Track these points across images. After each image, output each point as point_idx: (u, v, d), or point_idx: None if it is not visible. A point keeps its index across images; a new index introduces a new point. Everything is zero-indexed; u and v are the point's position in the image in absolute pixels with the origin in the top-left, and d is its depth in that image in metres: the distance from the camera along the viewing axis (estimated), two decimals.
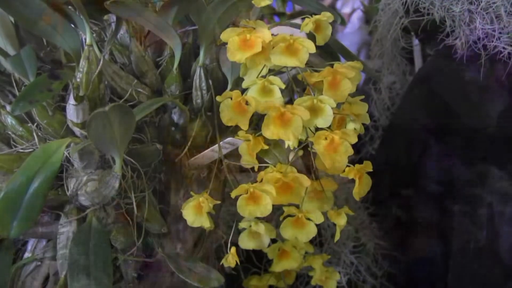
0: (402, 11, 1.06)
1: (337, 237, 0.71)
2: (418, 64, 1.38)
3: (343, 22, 1.10)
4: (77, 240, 0.62)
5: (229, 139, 0.72)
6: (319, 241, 1.18)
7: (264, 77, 0.66)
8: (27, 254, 0.73)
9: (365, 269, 1.42)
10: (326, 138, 0.62)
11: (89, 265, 0.60)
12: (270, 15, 1.64)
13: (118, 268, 0.73)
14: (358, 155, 1.57)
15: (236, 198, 0.66)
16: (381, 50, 1.31)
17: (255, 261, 1.04)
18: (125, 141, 0.61)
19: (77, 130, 0.68)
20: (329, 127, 0.64)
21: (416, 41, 1.28)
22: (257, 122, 0.80)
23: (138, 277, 0.75)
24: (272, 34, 0.67)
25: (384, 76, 1.38)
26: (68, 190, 0.68)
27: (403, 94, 1.35)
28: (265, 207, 0.64)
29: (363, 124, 0.72)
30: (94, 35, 0.82)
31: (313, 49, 0.65)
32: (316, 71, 0.69)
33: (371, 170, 0.66)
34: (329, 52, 0.93)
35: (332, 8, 1.49)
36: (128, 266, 0.73)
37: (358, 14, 2.35)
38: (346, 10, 1.91)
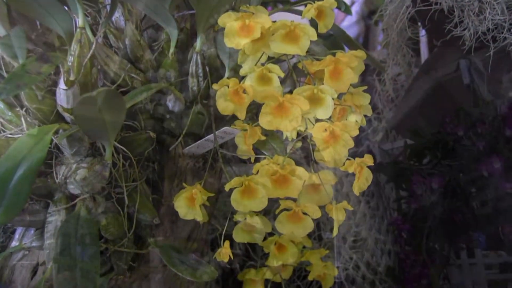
0: (409, 0, 1.03)
1: (335, 232, 0.69)
2: (425, 55, 1.36)
3: (348, 11, 1.07)
4: (64, 230, 0.60)
5: (225, 128, 0.70)
6: (318, 235, 1.16)
7: (263, 64, 0.63)
8: (14, 243, 0.71)
9: (365, 264, 1.40)
10: (326, 130, 0.60)
11: (75, 256, 0.58)
12: (274, 2, 1.60)
13: (108, 259, 0.71)
14: (360, 147, 1.54)
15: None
16: (386, 40, 1.28)
17: (251, 254, 1.02)
18: (115, 128, 0.59)
19: (67, 116, 0.65)
20: (329, 118, 0.62)
21: (423, 32, 1.25)
22: (255, 111, 0.78)
23: (129, 269, 0.73)
24: (274, 21, 0.65)
25: (389, 67, 1.35)
26: (57, 178, 0.65)
27: (408, 86, 1.32)
28: (261, 201, 0.62)
29: (366, 115, 0.70)
30: (89, 17, 0.79)
31: (314, 36, 0.62)
32: (317, 59, 0.66)
33: (372, 164, 0.64)
34: (332, 40, 0.91)
35: None
36: (119, 258, 0.70)
37: (356, 7, 2.34)
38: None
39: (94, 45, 0.65)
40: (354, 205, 1.72)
